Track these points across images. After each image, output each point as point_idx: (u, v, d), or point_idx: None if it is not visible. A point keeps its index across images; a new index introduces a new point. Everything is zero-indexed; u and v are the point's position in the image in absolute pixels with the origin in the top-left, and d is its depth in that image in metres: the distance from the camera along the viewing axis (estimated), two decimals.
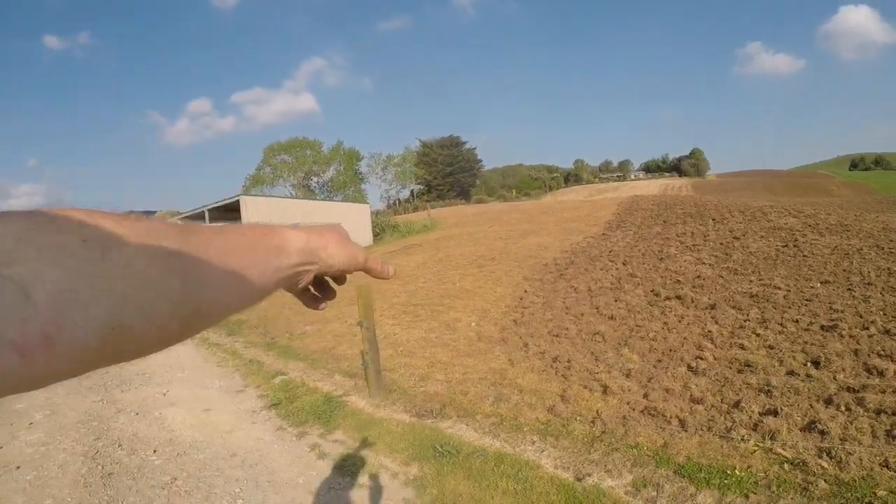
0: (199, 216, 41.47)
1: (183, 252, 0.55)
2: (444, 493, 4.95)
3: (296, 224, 0.80)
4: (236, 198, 35.65)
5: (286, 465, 5.81)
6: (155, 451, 6.35)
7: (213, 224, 0.66)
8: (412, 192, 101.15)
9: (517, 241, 23.96)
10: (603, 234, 23.14)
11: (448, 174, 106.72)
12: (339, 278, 0.90)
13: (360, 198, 74.31)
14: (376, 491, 5.18)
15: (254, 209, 34.85)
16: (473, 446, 5.84)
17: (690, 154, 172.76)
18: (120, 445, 6.57)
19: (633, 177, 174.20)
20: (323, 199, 60.27)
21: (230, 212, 37.46)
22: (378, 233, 41.69)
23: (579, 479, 5.04)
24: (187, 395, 8.46)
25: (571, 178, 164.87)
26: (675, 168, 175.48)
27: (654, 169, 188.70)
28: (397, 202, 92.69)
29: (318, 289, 0.88)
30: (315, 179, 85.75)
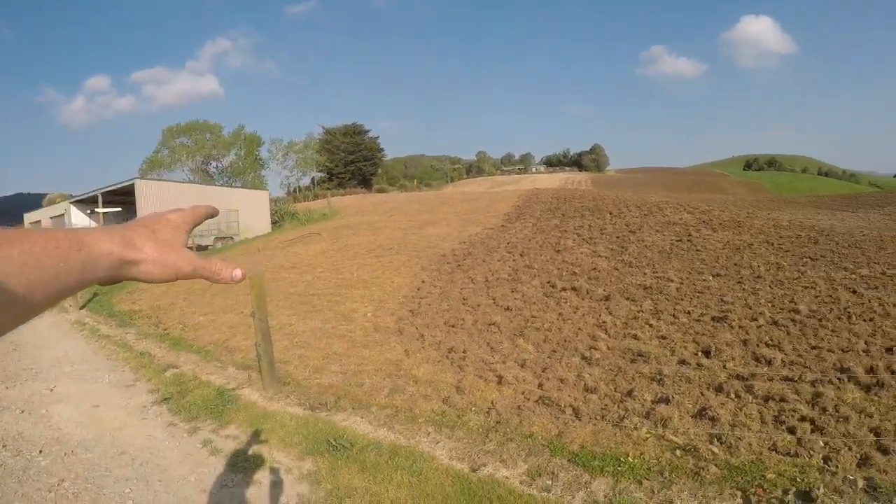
0: (92, 200, 40.45)
1: None
2: (338, 488, 4.90)
3: (119, 224, 0.78)
4: (131, 181, 34.81)
5: (178, 463, 5.62)
6: (41, 452, 6.02)
7: (14, 229, 0.64)
8: (313, 179, 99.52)
9: (416, 231, 24.11)
10: (502, 225, 23.56)
11: (350, 162, 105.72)
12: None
13: (259, 184, 72.63)
14: (270, 487, 5.07)
15: (149, 194, 33.96)
16: (368, 439, 5.80)
17: (591, 150, 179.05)
18: (4, 446, 6.19)
19: (534, 170, 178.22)
20: (222, 185, 58.69)
21: (125, 196, 36.56)
22: (277, 220, 41.03)
23: (474, 470, 5.08)
24: (75, 390, 8.11)
25: (473, 169, 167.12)
26: (575, 163, 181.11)
27: (555, 163, 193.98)
28: (297, 189, 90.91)
29: None
30: (214, 164, 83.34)
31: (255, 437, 6.07)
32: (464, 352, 8.19)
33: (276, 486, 5.07)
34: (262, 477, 5.26)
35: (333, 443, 5.66)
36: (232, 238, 36.08)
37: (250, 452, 5.73)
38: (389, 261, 17.16)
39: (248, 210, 38.36)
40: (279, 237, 31.32)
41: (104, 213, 39.37)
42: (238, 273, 0.86)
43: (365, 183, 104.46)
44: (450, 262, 16.20)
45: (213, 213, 0.95)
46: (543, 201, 31.15)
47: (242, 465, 5.49)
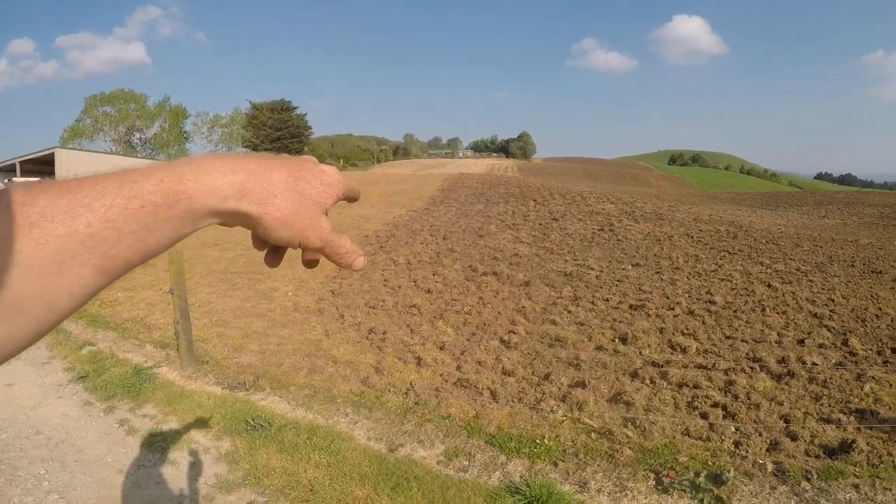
0: (9, 169, 38.57)
1: (11, 281, 0.44)
2: (256, 468, 4.86)
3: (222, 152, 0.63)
4: (51, 150, 33.57)
5: (94, 443, 5.45)
6: None
7: (63, 183, 0.50)
8: None
9: (340, 211, 23.86)
10: (426, 208, 23.66)
11: (276, 139, 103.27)
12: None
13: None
14: (188, 467, 4.99)
15: (70, 163, 32.59)
16: (286, 419, 5.78)
17: (519, 137, 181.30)
18: None
19: (461, 155, 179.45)
20: (144, 158, 56.73)
21: (44, 165, 35.24)
22: None
23: (392, 451, 5.13)
24: None
25: (400, 151, 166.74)
26: (503, 149, 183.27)
27: (482, 148, 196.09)
28: None
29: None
30: (138, 135, 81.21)
31: (173, 416, 5.95)
32: (384, 333, 8.21)
33: (194, 466, 5.00)
34: (180, 457, 5.17)
35: (252, 423, 5.61)
36: None
37: (167, 432, 5.61)
38: None
39: None
40: None
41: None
42: (361, 261, 0.73)
43: None
44: (372, 244, 16.21)
45: (357, 197, 0.81)
46: (469, 186, 31.43)
47: (160, 445, 5.38)
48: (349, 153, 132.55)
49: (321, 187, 0.67)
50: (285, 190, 0.61)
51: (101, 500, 4.60)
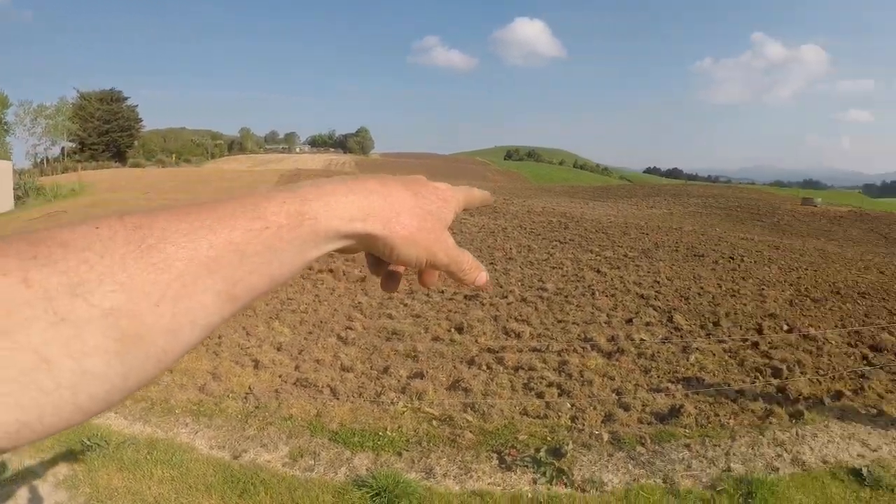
0: None
1: (131, 308, 0.41)
2: (98, 490, 4.60)
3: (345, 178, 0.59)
4: None
5: None
6: None
7: (179, 208, 0.48)
8: (63, 149, 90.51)
9: None
10: None
11: (104, 132, 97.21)
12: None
13: (2, 152, 64.32)
14: (27, 499, 4.63)
15: None
16: (124, 435, 5.46)
17: (357, 132, 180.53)
18: None
19: (298, 150, 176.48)
20: None
21: None
22: (21, 196, 36.47)
23: (236, 457, 5.00)
24: None
25: (236, 146, 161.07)
26: (341, 144, 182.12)
27: (320, 144, 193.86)
28: (46, 161, 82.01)
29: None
30: None
31: None
32: (219, 337, 7.95)
33: (32, 497, 4.64)
34: (15, 489, 4.77)
35: (88, 442, 5.27)
36: None
37: None
38: None
39: None
40: (22, 215, 28.21)
41: None
42: (483, 276, 0.68)
43: (120, 156, 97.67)
44: None
45: (488, 202, 0.77)
46: None
47: None
48: (182, 148, 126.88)
49: (439, 202, 0.64)
50: (407, 207, 0.59)
51: None
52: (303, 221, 0.51)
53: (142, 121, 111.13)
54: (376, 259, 0.62)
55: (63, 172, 61.42)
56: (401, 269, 0.67)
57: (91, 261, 0.41)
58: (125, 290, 0.41)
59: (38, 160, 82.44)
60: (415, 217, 0.59)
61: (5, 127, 78.24)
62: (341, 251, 0.57)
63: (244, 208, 0.49)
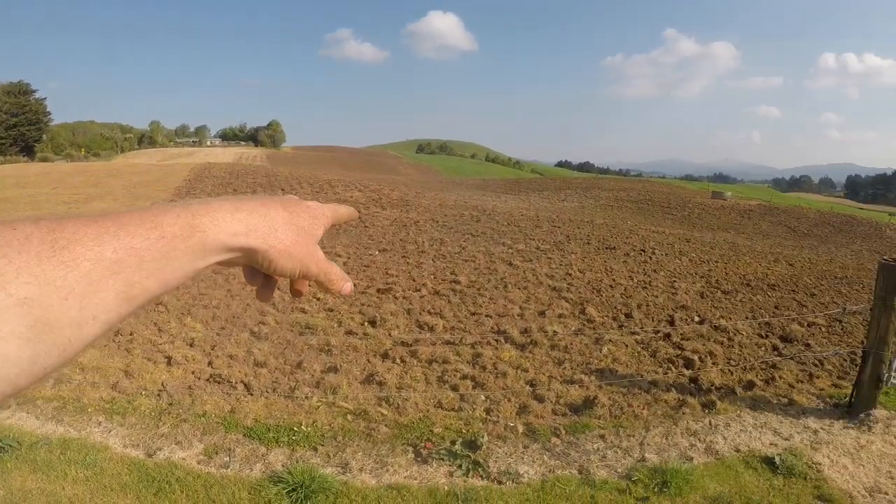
0: None
1: (42, 299, 0.45)
2: (11, 493, 4.42)
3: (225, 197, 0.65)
4: None
5: None
6: None
7: (86, 216, 0.52)
8: None
9: (81, 206, 22.31)
10: (171, 200, 22.44)
11: (12, 126, 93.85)
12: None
13: None
14: None
15: None
16: (36, 435, 5.25)
17: (268, 125, 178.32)
18: None
19: (208, 143, 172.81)
20: None
21: None
22: None
23: (150, 455, 4.86)
24: None
25: (146, 140, 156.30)
26: (252, 138, 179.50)
27: (231, 137, 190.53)
28: None
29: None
30: None
31: None
32: (130, 334, 7.71)
33: None
34: None
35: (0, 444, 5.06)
36: None
37: None
38: None
39: None
40: None
41: None
42: (349, 287, 0.75)
43: (28, 150, 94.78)
44: None
45: (353, 219, 0.84)
46: (216, 176, 30.39)
47: None
48: (91, 142, 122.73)
49: (311, 220, 0.70)
50: (284, 224, 0.65)
51: None
52: (194, 233, 0.57)
53: (50, 114, 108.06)
54: (253, 270, 0.68)
55: None
56: (275, 279, 0.72)
57: (9, 255, 0.45)
58: (39, 283, 0.45)
59: None
60: (290, 233, 0.66)
61: None
62: (225, 263, 0.63)
63: (143, 219, 0.55)
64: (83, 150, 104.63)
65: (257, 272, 0.68)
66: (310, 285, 0.76)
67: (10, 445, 5.08)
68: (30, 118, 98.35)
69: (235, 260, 0.63)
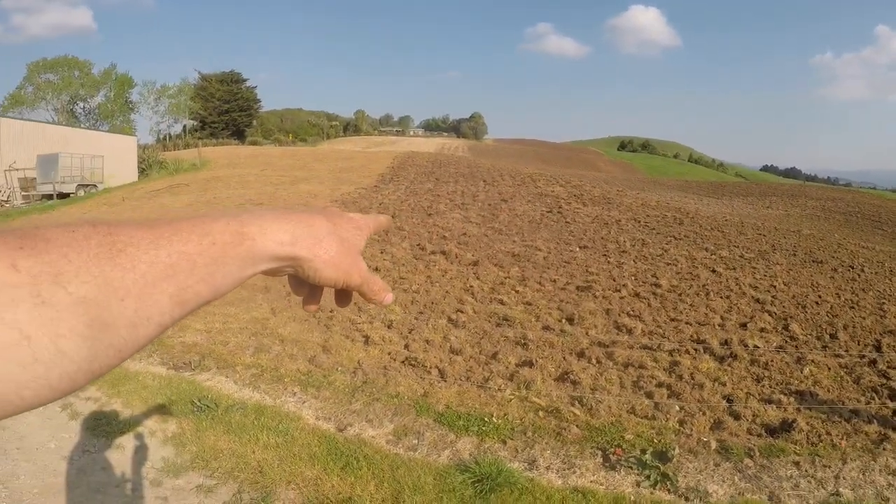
0: None
1: (100, 299, 0.47)
2: (204, 450, 4.77)
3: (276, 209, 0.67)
4: None
5: (37, 429, 5.20)
6: None
7: (141, 222, 0.55)
8: (185, 127, 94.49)
9: (288, 187, 23.68)
10: (375, 186, 23.49)
11: (224, 112, 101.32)
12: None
13: (127, 129, 67.51)
14: (134, 451, 4.85)
15: (9, 133, 31.20)
16: (233, 399, 5.67)
17: (471, 117, 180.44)
18: None
19: (411, 133, 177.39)
20: (87, 128, 54.53)
21: None
22: (144, 169, 38.74)
23: (341, 430, 5.10)
24: None
25: (350, 128, 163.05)
26: (454, 129, 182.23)
27: (433, 128, 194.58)
28: (168, 137, 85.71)
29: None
30: (81, 105, 77.54)
31: (117, 398, 5.74)
32: (331, 311, 8.13)
33: (140, 450, 4.86)
34: (125, 441, 5.00)
35: (198, 404, 5.48)
36: (96, 186, 33.74)
37: (112, 415, 5.41)
38: None
39: (113, 156, 35.67)
40: (146, 186, 29.76)
41: None
42: (390, 297, 0.78)
43: (239, 135, 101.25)
44: None
45: (389, 227, 0.87)
46: (418, 165, 31.33)
47: (104, 428, 5.19)
48: (298, 128, 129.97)
49: (354, 231, 0.73)
50: (328, 235, 0.67)
51: (46, 488, 4.43)
52: (243, 241, 0.59)
53: (260, 101, 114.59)
54: (298, 280, 0.69)
55: (185, 148, 64.05)
56: (321, 289, 0.74)
57: (70, 256, 0.46)
58: (97, 284, 0.47)
59: (161, 137, 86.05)
60: (334, 243, 0.67)
61: (130, 106, 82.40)
62: (272, 272, 0.65)
63: (195, 225, 0.57)
64: (291, 135, 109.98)
65: (303, 281, 0.69)
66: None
67: (208, 406, 5.46)
68: (241, 105, 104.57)
69: (282, 269, 0.65)
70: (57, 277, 0.45)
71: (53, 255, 0.46)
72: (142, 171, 38.33)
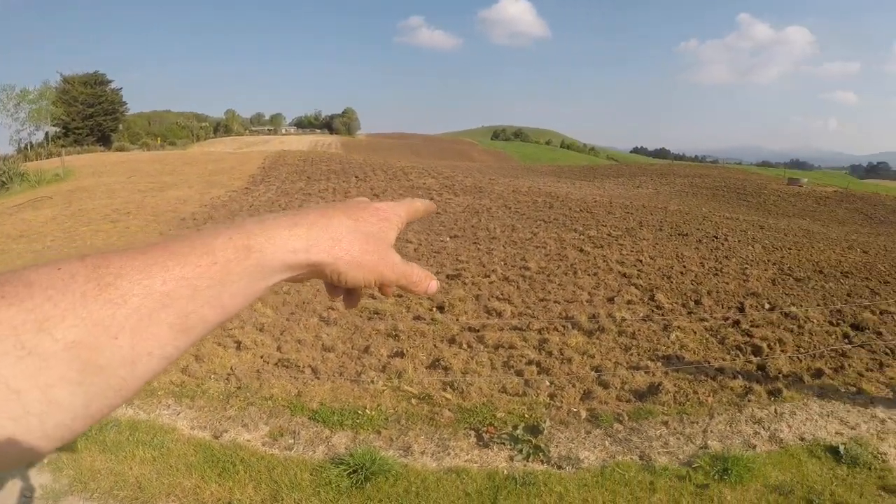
0: None
1: (91, 341, 0.44)
2: (81, 472, 4.62)
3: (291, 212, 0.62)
4: None
5: None
6: None
7: (134, 248, 0.51)
8: (47, 134, 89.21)
9: (157, 194, 22.87)
10: (246, 188, 22.96)
11: (89, 116, 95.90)
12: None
13: None
14: (8, 481, 4.59)
15: None
16: (107, 417, 5.49)
17: (343, 113, 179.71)
18: None
19: (284, 131, 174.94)
20: None
21: None
22: (5, 182, 36.18)
23: (217, 437, 5.04)
24: None
25: (221, 128, 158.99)
26: (327, 125, 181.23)
27: (306, 125, 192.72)
28: (29, 146, 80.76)
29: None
30: None
31: None
32: None
33: (13, 479, 4.61)
34: None
35: None
36: None
37: None
38: (126, 226, 16.19)
39: None
40: (6, 202, 28.03)
41: None
42: (434, 285, 0.71)
43: (104, 140, 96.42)
44: (189, 227, 15.64)
45: (432, 211, 0.79)
46: (290, 163, 30.89)
47: None
48: (167, 131, 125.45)
49: (380, 223, 0.67)
50: (348, 233, 0.62)
51: None
52: (250, 255, 0.54)
53: (126, 104, 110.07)
54: (331, 283, 0.64)
55: (48, 157, 60.65)
56: (356, 288, 0.68)
57: (55, 298, 0.44)
58: (86, 325, 0.44)
59: (22, 146, 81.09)
60: (357, 241, 0.62)
61: None
62: (294, 280, 0.60)
63: (193, 245, 0.53)
64: (159, 138, 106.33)
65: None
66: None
67: None
68: (106, 108, 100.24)
69: (303, 276, 0.61)
70: (42, 324, 0.43)
71: (37, 300, 0.44)
72: (2, 185, 36.01)
